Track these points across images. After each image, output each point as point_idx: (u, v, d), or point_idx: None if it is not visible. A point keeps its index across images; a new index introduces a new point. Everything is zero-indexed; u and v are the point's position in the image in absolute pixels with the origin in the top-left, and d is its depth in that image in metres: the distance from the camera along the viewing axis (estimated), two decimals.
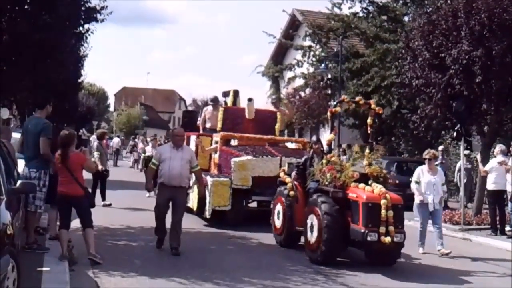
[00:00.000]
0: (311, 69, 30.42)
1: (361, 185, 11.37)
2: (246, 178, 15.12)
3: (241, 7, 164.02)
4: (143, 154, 21.77)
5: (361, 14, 29.17)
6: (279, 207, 13.15)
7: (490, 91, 17.14)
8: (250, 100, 17.44)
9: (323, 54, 29.48)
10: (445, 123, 19.94)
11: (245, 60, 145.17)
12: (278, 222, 13.18)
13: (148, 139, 43.87)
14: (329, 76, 29.59)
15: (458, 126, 17.31)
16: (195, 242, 13.02)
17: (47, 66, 14.94)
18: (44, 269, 9.07)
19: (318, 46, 29.82)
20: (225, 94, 19.36)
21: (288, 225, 12.74)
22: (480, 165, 17.11)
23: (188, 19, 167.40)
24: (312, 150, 13.08)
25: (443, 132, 24.81)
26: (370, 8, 28.96)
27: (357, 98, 13.24)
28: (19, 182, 8.40)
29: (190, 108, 66.08)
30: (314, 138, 13.47)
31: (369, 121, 12.81)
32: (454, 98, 17.57)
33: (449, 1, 19.32)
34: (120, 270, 9.80)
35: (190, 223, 15.28)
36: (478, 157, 18.33)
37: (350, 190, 11.40)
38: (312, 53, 29.98)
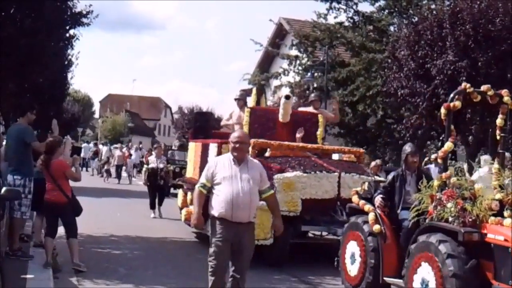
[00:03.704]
0: (297, 78, 30.46)
1: (508, 221, 7.58)
2: (294, 202, 11.35)
3: (230, 14, 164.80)
4: (145, 166, 19.51)
5: (346, 24, 29.27)
6: (353, 247, 9.48)
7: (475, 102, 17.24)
8: (288, 97, 13.63)
9: (309, 63, 29.53)
10: (430, 132, 20.07)
11: (233, 67, 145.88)
12: (353, 268, 9.46)
13: (138, 147, 42.74)
14: (315, 85, 29.63)
15: (443, 136, 17.39)
16: (182, 250, 13.02)
17: (33, 71, 14.89)
18: (28, 276, 9.00)
19: (304, 55, 29.87)
20: (245, 93, 16.18)
21: (372, 275, 8.99)
22: (467, 175, 17.15)
23: (176, 26, 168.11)
24: (405, 163, 9.40)
25: (428, 142, 24.93)
26: (356, 18, 29.08)
27: (484, 87, 8.87)
28: (3, 189, 8.34)
29: (177, 116, 64.72)
30: (408, 147, 9.56)
31: (499, 121, 9.02)
32: (439, 108, 17.64)
33: (434, 12, 19.50)
34: (104, 278, 9.73)
35: (177, 231, 15.27)
36: (465, 166, 18.38)
37: (490, 229, 7.59)
38: (298, 61, 30.03)
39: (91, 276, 9.77)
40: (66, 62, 22.74)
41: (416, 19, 21.66)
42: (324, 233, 12.68)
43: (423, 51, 18.12)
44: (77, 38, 17.23)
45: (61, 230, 10.37)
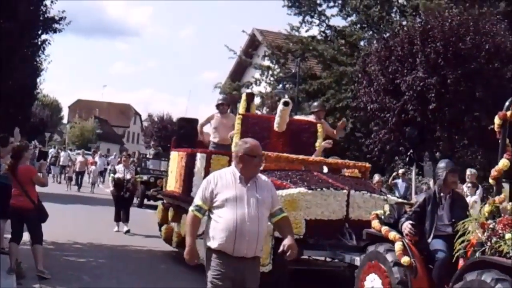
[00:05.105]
0: (269, 89, 30.55)
1: None
2: (297, 222, 9.63)
3: (204, 24, 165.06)
4: (112, 175, 17.85)
5: (319, 37, 29.47)
6: (374, 281, 7.93)
7: (443, 119, 17.46)
8: (286, 104, 11.92)
9: (281, 74, 29.64)
10: (398, 148, 20.22)
11: (206, 77, 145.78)
12: None
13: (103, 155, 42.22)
14: (286, 96, 29.71)
15: (411, 151, 17.55)
16: (147, 260, 12.91)
17: (3, 74, 14.77)
18: None
19: (276, 67, 29.98)
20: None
21: None
22: None
23: (150, 33, 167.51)
24: (444, 184, 7.85)
25: (396, 157, 25.12)
26: (328, 32, 29.30)
27: None
28: None
29: (146, 124, 63.36)
30: (448, 164, 8.08)
31: None
32: (407, 123, 17.84)
33: (406, 28, 19.70)
34: (68, 286, 9.64)
35: (143, 240, 15.17)
36: (431, 183, 18.59)
37: None
38: (270, 72, 30.14)
39: (55, 283, 9.64)
40: (36, 67, 22.58)
41: (388, 34, 21.87)
42: (328, 259, 11.18)
43: (394, 66, 18.29)
44: (48, 43, 17.14)
45: (25, 236, 10.25)
